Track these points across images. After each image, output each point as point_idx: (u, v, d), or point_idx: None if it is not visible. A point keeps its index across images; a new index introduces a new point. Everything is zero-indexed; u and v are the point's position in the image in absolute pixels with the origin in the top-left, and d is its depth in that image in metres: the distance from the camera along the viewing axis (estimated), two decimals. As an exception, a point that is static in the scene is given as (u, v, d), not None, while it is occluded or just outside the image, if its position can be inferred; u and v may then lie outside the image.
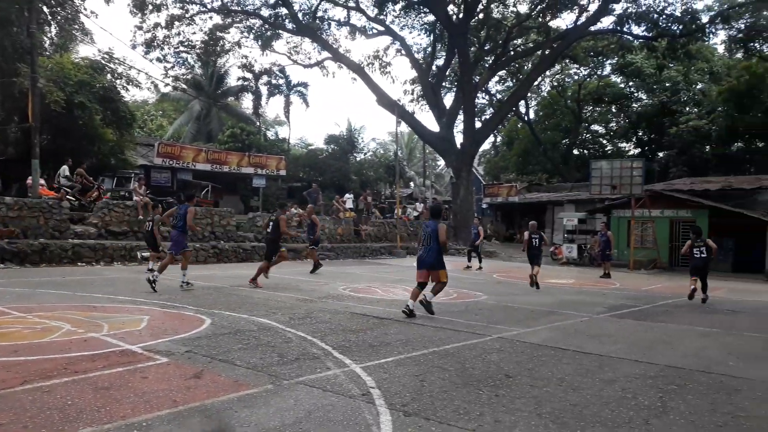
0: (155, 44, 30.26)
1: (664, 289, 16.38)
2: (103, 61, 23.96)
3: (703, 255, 13.20)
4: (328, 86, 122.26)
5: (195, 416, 4.31)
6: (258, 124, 42.16)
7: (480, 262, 21.07)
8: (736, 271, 23.27)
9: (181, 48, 31.43)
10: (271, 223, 13.40)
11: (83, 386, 4.89)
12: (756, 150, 36.28)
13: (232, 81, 43.93)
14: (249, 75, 39.57)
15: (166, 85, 35.40)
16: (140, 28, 29.60)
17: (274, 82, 40.40)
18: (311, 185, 28.22)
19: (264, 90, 41.68)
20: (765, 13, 32.84)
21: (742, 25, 33.74)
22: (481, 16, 33.35)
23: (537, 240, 14.68)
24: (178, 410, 4.41)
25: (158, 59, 31.34)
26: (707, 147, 36.15)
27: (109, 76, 23.75)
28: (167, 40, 30.46)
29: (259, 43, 32.24)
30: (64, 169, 19.38)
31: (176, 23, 29.89)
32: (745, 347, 7.87)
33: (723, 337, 8.64)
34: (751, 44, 35.19)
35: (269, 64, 48.74)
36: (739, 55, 38.78)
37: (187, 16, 29.99)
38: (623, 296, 13.86)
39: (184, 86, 39.01)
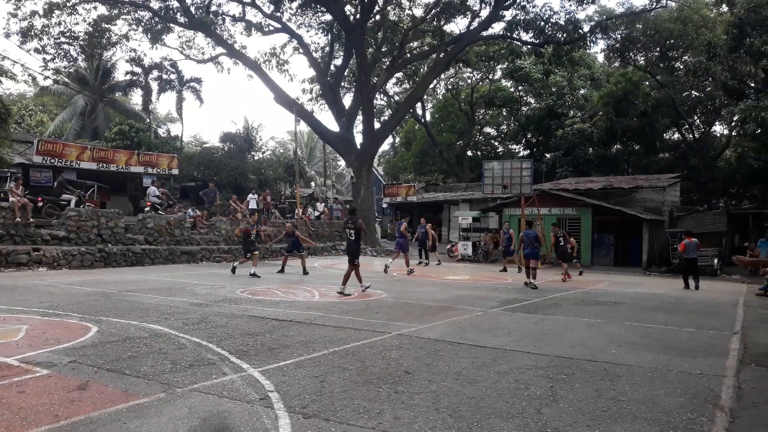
0: (32, 34, 28.08)
1: (553, 283, 17.26)
2: (-30, 50, 21.94)
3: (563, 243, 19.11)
4: (223, 83, 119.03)
5: (79, 431, 4.04)
6: (148, 120, 40.26)
7: (427, 258, 22.40)
8: (617, 265, 25.00)
9: (63, 39, 29.38)
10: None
11: (-52, 406, 4.45)
12: (632, 151, 39.12)
13: (119, 75, 41.74)
14: (138, 69, 37.84)
15: (46, 78, 33.00)
16: (14, 15, 27.41)
17: (165, 77, 38.81)
18: (207, 185, 27.33)
19: (154, 85, 39.95)
20: (638, 26, 35.49)
21: (619, 36, 36.35)
22: (378, 17, 33.68)
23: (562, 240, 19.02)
24: (59, 425, 4.13)
25: (36, 50, 29.10)
26: (590, 148, 38.48)
27: (-24, 67, 21.78)
28: (46, 29, 28.37)
29: (149, 36, 30.72)
30: (153, 190, 23.65)
31: (56, 12, 27.90)
32: (625, 336, 8.43)
33: (606, 327, 9.22)
34: (627, 54, 38.00)
35: (160, 58, 46.68)
36: (616, 64, 41.75)
37: (68, 4, 28.07)
38: (515, 290, 14.47)
39: (66, 80, 36.50)
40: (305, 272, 17.14)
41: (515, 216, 26.62)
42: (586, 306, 11.86)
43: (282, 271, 17.58)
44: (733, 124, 38.58)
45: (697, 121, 40.59)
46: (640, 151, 38.56)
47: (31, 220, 17.80)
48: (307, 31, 74.47)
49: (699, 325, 9.79)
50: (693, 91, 38.05)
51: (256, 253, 16.74)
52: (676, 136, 41.38)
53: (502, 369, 6.16)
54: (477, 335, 8.05)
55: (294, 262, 18.65)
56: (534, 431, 4.30)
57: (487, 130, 52.74)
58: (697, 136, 39.81)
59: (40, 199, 20.79)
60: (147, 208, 23.31)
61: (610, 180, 29.76)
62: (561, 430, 4.33)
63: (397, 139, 55.80)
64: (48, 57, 29.80)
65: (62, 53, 30.53)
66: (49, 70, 30.74)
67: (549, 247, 24.73)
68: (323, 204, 34.44)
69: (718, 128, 42.87)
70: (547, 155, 42.79)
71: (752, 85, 31.88)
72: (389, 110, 45.90)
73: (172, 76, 39.51)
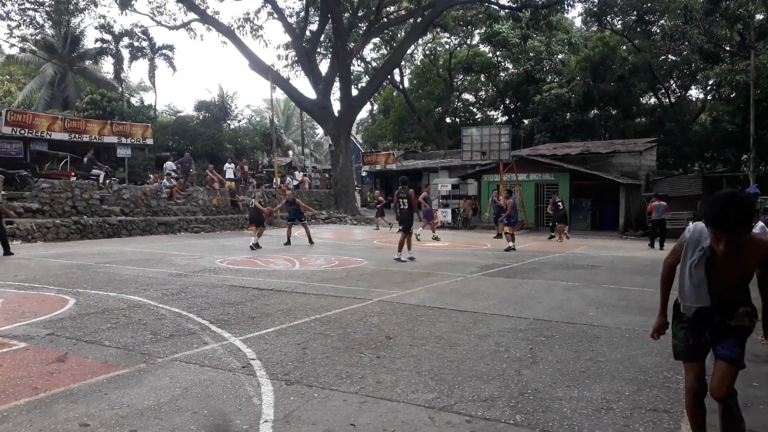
0: (-5, -1, 27.18)
1: (531, 247, 17.41)
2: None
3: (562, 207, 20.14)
4: (196, 50, 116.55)
5: (59, 402, 4.01)
6: (120, 89, 39.36)
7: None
8: (594, 229, 25.28)
9: (27, 5, 28.43)
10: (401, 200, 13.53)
11: None
12: (609, 116, 39.27)
13: (89, 43, 40.58)
14: (108, 36, 36.84)
15: (12, 46, 31.97)
16: (-24, -20, 26.45)
17: (136, 44, 37.81)
18: (182, 155, 26.96)
19: (126, 53, 38.91)
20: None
21: (596, 0, 36.15)
22: (353, -20, 33.08)
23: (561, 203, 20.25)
24: (39, 398, 4.10)
25: (0, 17, 28.17)
26: (567, 114, 38.50)
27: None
28: (10, -5, 27.47)
29: (118, 1, 29.84)
30: (170, 165, 24.64)
31: (20, -24, 26.99)
32: (603, 298, 8.56)
33: (584, 289, 9.35)
34: (604, 18, 37.84)
35: (131, 24, 45.38)
36: (594, 28, 41.61)
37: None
38: (494, 256, 14.57)
39: (33, 48, 35.40)
40: (311, 242, 16.87)
41: (494, 182, 26.72)
42: (564, 270, 12.00)
43: (288, 243, 16.78)
44: (708, 88, 38.79)
45: (673, 85, 40.77)
46: (617, 116, 38.70)
47: (3, 192, 17.43)
48: (282, -4, 72.97)
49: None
50: (669, 55, 38.11)
51: (262, 227, 16.34)
52: (653, 100, 41.58)
53: (483, 332, 6.23)
54: (457, 300, 8.12)
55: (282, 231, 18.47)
56: (514, 392, 4.36)
57: (466, 96, 52.50)
58: (673, 100, 40.04)
59: (73, 174, 21.01)
60: (165, 181, 23.96)
61: (588, 145, 29.89)
62: (541, 391, 4.40)
63: (375, 107, 55.29)
64: (13, 24, 28.87)
65: (27, 20, 29.56)
66: (14, 37, 29.79)
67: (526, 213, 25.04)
68: (302, 173, 34.18)
69: (694, 92, 43.18)
70: (525, 121, 42.76)
71: (728, 48, 32.02)
72: (366, 76, 45.37)
73: (144, 44, 38.53)
